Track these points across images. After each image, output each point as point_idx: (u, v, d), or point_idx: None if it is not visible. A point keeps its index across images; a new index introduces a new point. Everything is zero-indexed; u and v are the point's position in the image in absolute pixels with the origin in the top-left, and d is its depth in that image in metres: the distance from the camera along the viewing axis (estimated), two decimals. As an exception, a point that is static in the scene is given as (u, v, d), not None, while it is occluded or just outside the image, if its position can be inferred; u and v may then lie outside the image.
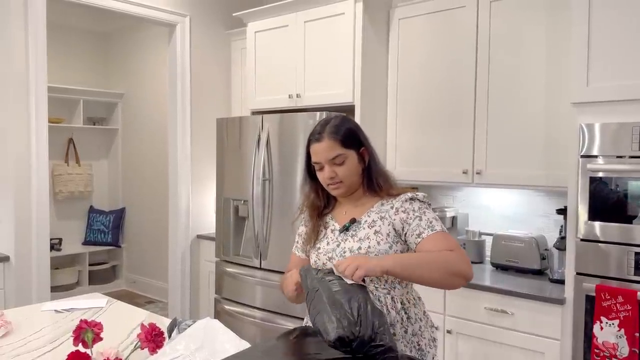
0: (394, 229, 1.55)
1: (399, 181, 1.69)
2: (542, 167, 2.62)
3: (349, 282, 1.33)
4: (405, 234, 1.53)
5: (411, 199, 1.56)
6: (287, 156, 3.06)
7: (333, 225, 1.66)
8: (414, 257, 1.43)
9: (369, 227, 1.57)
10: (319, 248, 1.64)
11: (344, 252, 1.57)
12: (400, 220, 1.54)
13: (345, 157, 1.57)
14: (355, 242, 1.57)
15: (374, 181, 1.61)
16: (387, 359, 1.22)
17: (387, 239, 1.54)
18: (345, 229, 1.60)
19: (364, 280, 1.37)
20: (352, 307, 1.24)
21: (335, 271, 1.38)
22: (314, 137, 1.60)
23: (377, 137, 3.06)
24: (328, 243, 1.63)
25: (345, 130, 1.59)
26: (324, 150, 1.56)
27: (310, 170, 1.66)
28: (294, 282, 1.55)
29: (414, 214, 1.53)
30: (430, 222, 1.51)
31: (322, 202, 1.69)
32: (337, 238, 1.62)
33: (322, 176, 1.60)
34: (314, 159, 1.60)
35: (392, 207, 1.57)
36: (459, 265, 1.40)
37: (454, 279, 1.40)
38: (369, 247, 1.54)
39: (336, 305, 1.25)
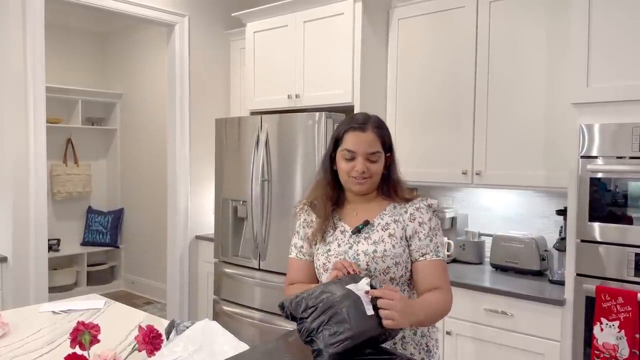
0: (405, 234, 1.54)
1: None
2: (542, 168, 2.62)
3: (350, 287, 1.31)
4: (411, 244, 1.54)
5: (427, 207, 1.57)
6: (286, 156, 3.05)
7: (342, 226, 1.60)
8: (432, 307, 1.46)
9: (382, 229, 1.55)
10: (329, 250, 1.58)
11: (357, 255, 1.53)
12: (413, 229, 1.54)
13: (380, 156, 1.55)
14: (370, 245, 1.53)
15: (390, 188, 1.60)
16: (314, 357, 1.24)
17: (400, 243, 1.53)
18: (357, 230, 1.56)
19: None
20: (316, 297, 1.27)
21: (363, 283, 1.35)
22: (357, 124, 1.53)
23: (376, 138, 3.05)
24: (339, 245, 1.57)
25: (386, 130, 1.58)
26: (367, 142, 1.52)
27: (331, 159, 1.60)
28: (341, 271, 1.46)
29: (428, 232, 1.54)
30: (437, 247, 1.54)
31: (335, 195, 1.62)
32: (348, 240, 1.57)
33: (350, 167, 1.53)
34: (351, 147, 1.52)
35: (405, 212, 1.56)
36: (449, 307, 1.52)
37: (442, 318, 1.53)
38: (385, 250, 1.52)
39: (313, 288, 1.33)
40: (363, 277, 1.37)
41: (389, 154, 1.59)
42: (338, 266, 1.43)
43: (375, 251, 1.52)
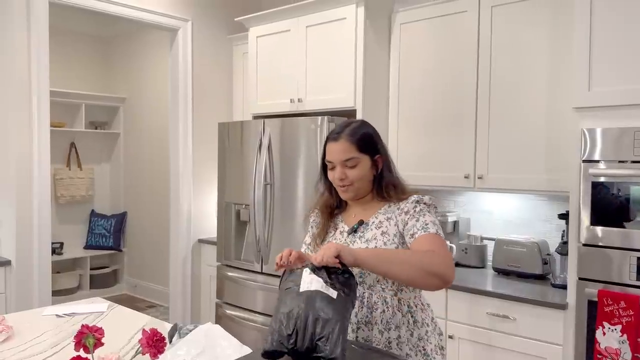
0: (398, 229, 1.56)
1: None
2: (544, 172, 2.62)
3: (304, 287, 1.33)
4: (403, 233, 1.55)
5: (417, 201, 1.58)
6: (289, 160, 3.06)
7: (342, 227, 1.68)
8: (389, 252, 1.46)
9: (376, 228, 1.59)
10: None
11: None
12: (402, 221, 1.56)
13: (358, 162, 1.58)
14: (363, 243, 1.58)
15: (383, 189, 1.62)
16: None
17: (393, 240, 1.55)
18: (353, 230, 1.62)
19: (347, 276, 1.37)
20: (289, 321, 1.27)
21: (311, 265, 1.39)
22: (332, 136, 1.62)
23: (378, 142, 3.06)
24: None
25: (363, 135, 1.61)
26: (338, 150, 1.58)
27: (326, 168, 1.67)
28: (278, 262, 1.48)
29: (413, 215, 1.55)
30: (426, 224, 1.52)
31: (334, 201, 1.71)
32: (345, 240, 1.64)
33: (332, 176, 1.62)
34: (327, 157, 1.62)
35: (398, 208, 1.59)
36: (437, 265, 1.38)
37: (430, 278, 1.37)
38: (376, 247, 1.55)
39: (275, 319, 1.31)
40: (302, 270, 1.39)
41: (377, 157, 1.62)
42: (279, 262, 1.45)
43: (367, 248, 1.55)
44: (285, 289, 1.37)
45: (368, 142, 1.61)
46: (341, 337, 1.26)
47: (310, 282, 1.34)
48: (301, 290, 1.33)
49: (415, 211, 1.55)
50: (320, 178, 1.72)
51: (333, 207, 1.71)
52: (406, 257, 1.41)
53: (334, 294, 1.33)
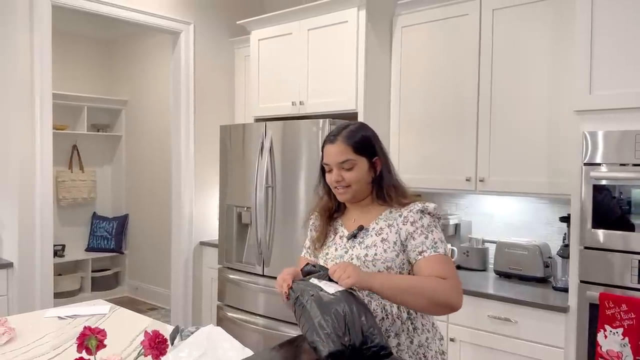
0: (400, 238, 1.54)
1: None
2: (546, 175, 2.62)
3: (332, 290, 1.35)
4: (407, 246, 1.53)
5: (422, 210, 1.55)
6: (290, 163, 3.07)
7: (342, 231, 1.66)
8: (403, 282, 1.44)
9: (376, 234, 1.57)
10: (327, 254, 1.65)
11: (351, 259, 1.57)
12: (406, 232, 1.53)
13: (355, 164, 1.57)
14: (362, 249, 1.56)
15: (384, 191, 1.60)
16: (381, 357, 1.27)
17: (393, 247, 1.54)
18: (353, 236, 1.60)
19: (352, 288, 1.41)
20: (338, 320, 1.28)
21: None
22: (329, 138, 1.61)
23: (380, 145, 3.06)
24: (336, 249, 1.63)
25: (360, 137, 1.59)
26: (335, 153, 1.58)
27: (324, 171, 1.67)
28: (283, 291, 1.51)
29: (421, 230, 1.52)
30: (435, 243, 1.50)
31: (333, 204, 1.70)
32: (345, 245, 1.62)
33: (329, 178, 1.61)
34: (324, 159, 1.62)
35: (400, 216, 1.56)
36: (447, 295, 1.41)
37: (439, 309, 1.43)
38: (376, 254, 1.54)
39: (322, 322, 1.29)
40: (314, 279, 1.42)
41: (376, 159, 1.60)
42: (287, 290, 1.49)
43: (366, 255, 1.55)
44: (310, 296, 1.36)
45: (365, 144, 1.59)
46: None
47: (335, 286, 1.37)
48: (331, 293, 1.35)
49: (423, 226, 1.52)
50: (320, 181, 1.70)
51: (332, 210, 1.70)
52: (419, 287, 1.41)
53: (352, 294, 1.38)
